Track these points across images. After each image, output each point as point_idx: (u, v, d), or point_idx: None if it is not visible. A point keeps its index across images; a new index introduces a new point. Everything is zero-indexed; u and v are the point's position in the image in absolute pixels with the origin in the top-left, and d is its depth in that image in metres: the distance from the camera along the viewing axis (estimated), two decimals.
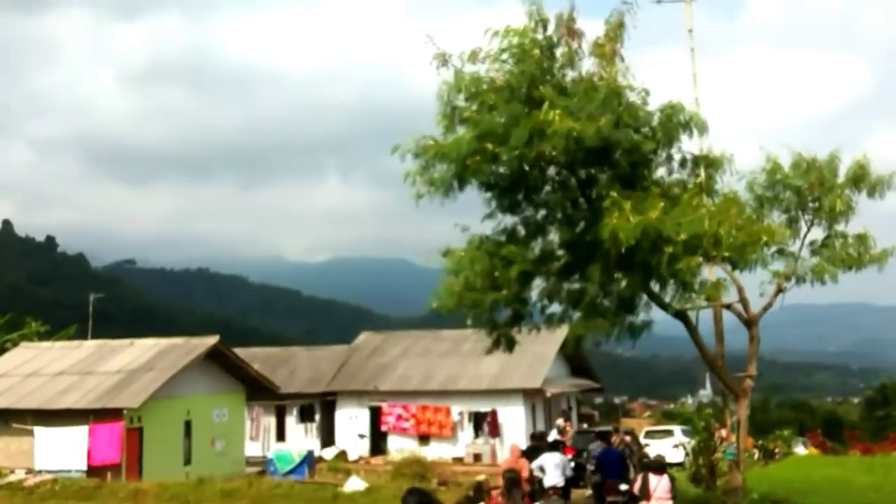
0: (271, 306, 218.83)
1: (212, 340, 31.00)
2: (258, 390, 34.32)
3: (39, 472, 26.47)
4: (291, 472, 27.52)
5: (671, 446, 30.16)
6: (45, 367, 30.46)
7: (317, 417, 39.26)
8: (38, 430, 27.15)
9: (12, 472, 26.76)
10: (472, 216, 14.14)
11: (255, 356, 39.46)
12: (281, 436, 38.84)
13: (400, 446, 35.24)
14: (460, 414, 36.23)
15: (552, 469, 17.25)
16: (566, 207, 13.92)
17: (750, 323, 17.84)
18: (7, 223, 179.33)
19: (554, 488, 16.94)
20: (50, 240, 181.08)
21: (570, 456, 20.63)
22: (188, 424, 30.03)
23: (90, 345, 33.03)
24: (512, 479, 12.96)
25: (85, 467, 26.36)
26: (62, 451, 26.69)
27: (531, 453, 18.47)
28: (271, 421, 38.74)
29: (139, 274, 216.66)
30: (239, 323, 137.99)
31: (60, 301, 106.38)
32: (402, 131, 13.62)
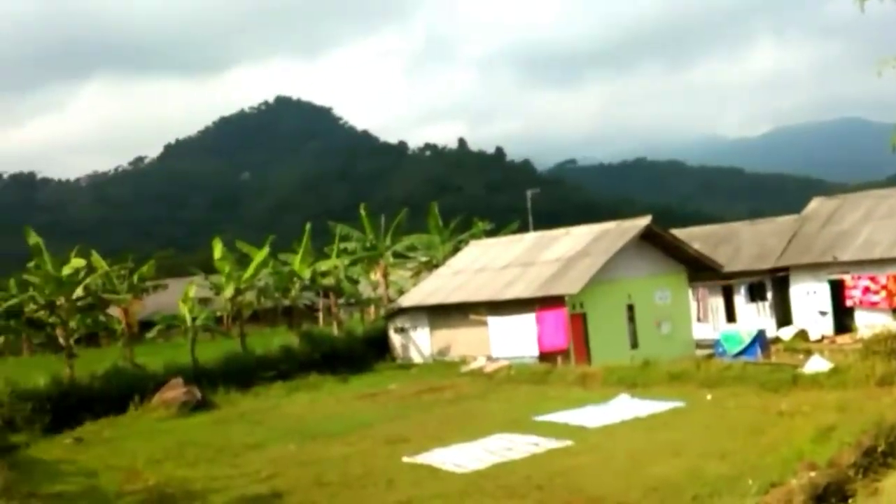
0: (711, 189, 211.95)
1: (644, 221, 30.03)
2: (699, 270, 32.78)
3: (497, 359, 28.29)
4: (741, 353, 25.68)
5: None
6: (491, 261, 32.33)
7: (768, 295, 36.40)
8: (491, 320, 28.93)
9: (475, 359, 29.01)
10: None
11: (693, 236, 37.83)
12: (731, 316, 36.82)
13: (869, 322, 31.02)
14: None
15: None
16: None
17: None
18: (462, 141, 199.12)
19: None
20: (499, 150, 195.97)
21: None
22: (630, 308, 29.70)
23: (529, 237, 34.28)
24: None
25: (536, 353, 27.49)
26: (514, 338, 28.14)
27: None
28: (718, 301, 36.86)
29: (579, 172, 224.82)
30: (679, 208, 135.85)
31: (511, 205, 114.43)
32: None
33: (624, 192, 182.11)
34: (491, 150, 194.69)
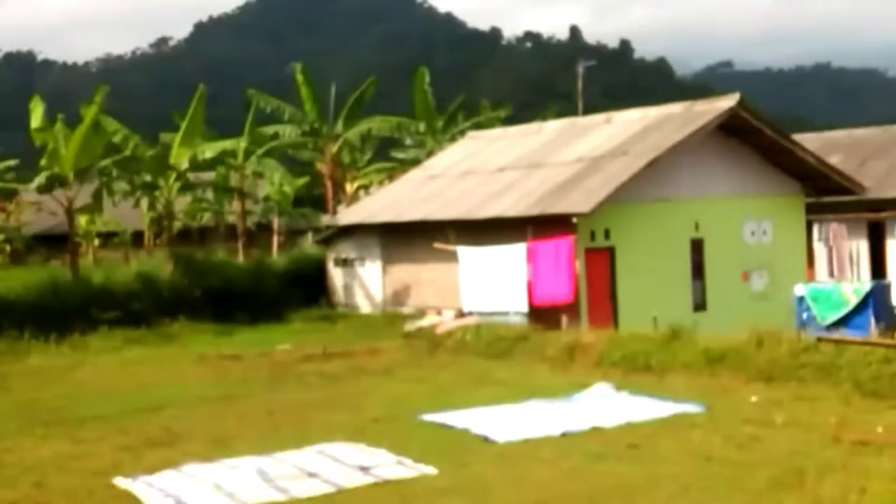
0: None
1: (727, 103, 23.38)
2: (829, 194, 26.19)
3: (469, 313, 22.56)
4: (842, 322, 19.09)
5: None
6: (485, 161, 26.31)
7: None
8: (462, 252, 23.06)
9: (439, 313, 23.39)
10: None
11: (835, 144, 31.11)
12: (879, 269, 29.80)
13: None
14: None
15: None
16: None
17: None
18: (575, 30, 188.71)
19: None
20: (624, 45, 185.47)
21: None
22: (698, 245, 23.43)
23: (552, 127, 27.87)
24: None
25: (524, 308, 21.60)
26: (493, 282, 22.22)
27: None
28: (860, 246, 29.82)
29: (736, 79, 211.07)
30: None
31: None
32: None
33: (797, 106, 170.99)
34: (614, 43, 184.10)
